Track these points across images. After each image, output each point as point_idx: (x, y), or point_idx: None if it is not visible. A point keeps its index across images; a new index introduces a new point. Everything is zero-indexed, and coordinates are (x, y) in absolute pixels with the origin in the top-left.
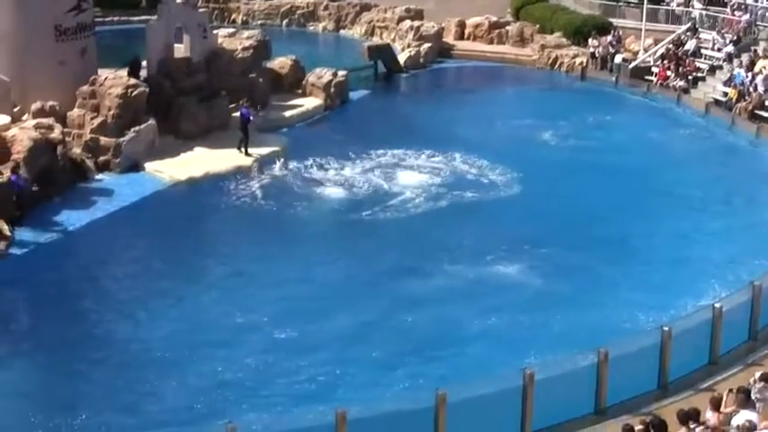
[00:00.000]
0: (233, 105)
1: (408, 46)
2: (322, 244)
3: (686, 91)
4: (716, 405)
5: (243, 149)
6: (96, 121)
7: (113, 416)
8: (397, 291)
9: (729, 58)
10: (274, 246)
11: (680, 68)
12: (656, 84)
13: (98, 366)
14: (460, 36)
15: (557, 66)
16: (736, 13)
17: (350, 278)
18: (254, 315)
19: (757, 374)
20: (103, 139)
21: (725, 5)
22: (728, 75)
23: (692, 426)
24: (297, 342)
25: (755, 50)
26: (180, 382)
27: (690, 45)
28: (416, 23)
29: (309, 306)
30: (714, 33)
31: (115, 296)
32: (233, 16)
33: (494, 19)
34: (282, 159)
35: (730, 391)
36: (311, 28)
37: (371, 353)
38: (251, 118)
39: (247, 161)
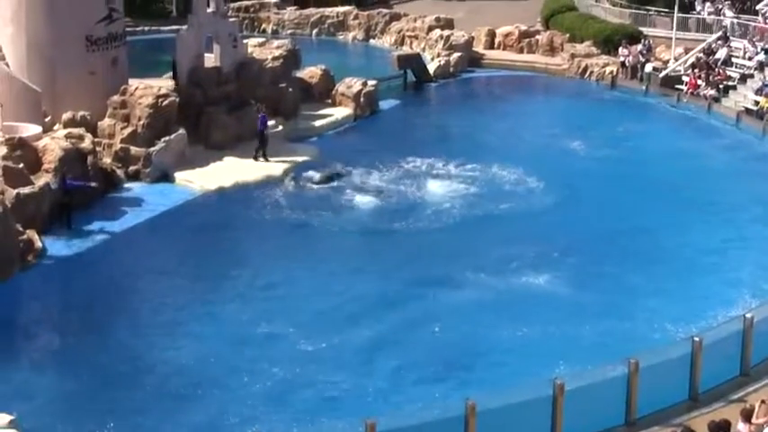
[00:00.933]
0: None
1: (438, 55)
2: (351, 254)
3: (717, 100)
4: (747, 416)
5: (261, 157)
6: (127, 131)
7: (140, 427)
8: (426, 301)
9: (760, 66)
10: (303, 256)
11: (710, 77)
12: (686, 93)
13: (125, 377)
14: (490, 45)
15: (587, 75)
16: (767, 21)
17: (379, 288)
18: (281, 325)
19: None
20: (134, 149)
21: (756, 14)
22: (760, 83)
23: None
24: (325, 352)
25: None
26: (207, 392)
27: (720, 54)
28: (446, 33)
29: (338, 316)
30: (745, 42)
31: (144, 306)
32: (263, 26)
33: (523, 28)
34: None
35: (762, 402)
36: (341, 37)
37: (400, 363)
38: (267, 123)
39: (277, 170)
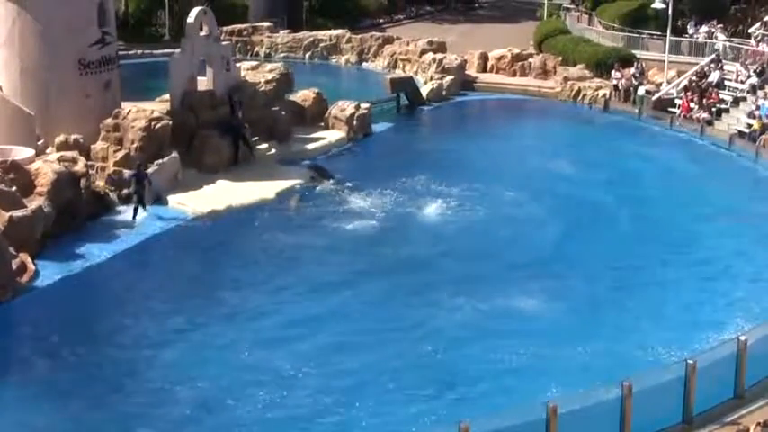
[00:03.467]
0: (256, 138)
1: (431, 78)
2: (343, 277)
3: (710, 123)
4: None
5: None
6: (120, 154)
7: None
8: (417, 323)
9: (753, 89)
10: (295, 280)
11: (703, 100)
12: (679, 116)
13: (113, 404)
14: (483, 68)
15: (579, 98)
16: (760, 44)
17: (370, 311)
18: (271, 351)
19: None
20: (127, 172)
21: (748, 37)
22: (752, 106)
23: None
24: (313, 377)
25: None
26: (195, 418)
27: (713, 77)
28: (439, 56)
29: (328, 341)
30: (738, 65)
31: (135, 331)
32: (256, 49)
33: (516, 51)
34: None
35: (758, 424)
36: (334, 61)
37: (392, 386)
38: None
39: (270, 193)
